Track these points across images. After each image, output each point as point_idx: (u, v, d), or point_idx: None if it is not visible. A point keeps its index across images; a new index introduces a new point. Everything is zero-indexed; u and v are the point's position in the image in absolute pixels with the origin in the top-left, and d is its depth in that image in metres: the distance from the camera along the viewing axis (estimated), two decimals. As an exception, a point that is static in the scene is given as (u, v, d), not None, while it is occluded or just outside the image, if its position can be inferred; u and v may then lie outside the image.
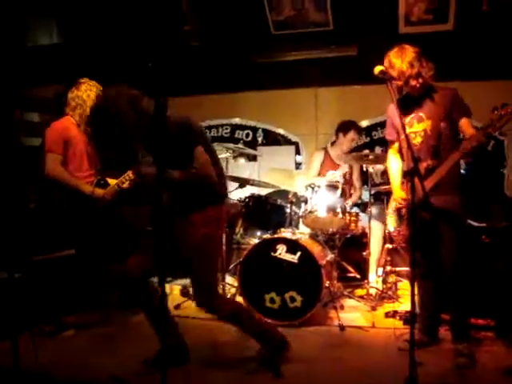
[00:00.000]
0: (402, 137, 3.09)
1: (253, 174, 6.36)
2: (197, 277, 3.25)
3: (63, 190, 4.19)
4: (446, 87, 3.52)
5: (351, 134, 5.51)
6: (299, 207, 4.85)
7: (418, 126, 3.50)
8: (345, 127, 5.55)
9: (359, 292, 5.08)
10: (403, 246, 4.43)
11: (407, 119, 3.52)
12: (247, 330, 3.37)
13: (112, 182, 4.34)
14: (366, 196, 5.56)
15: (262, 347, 3.34)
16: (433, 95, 3.49)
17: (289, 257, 4.22)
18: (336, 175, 4.97)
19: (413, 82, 3.41)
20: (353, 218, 4.89)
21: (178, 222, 3.20)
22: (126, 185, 4.22)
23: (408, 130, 3.47)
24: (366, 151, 4.94)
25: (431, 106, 3.48)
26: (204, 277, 3.23)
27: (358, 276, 5.19)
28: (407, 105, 3.56)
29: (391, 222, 3.76)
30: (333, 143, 5.80)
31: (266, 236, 4.66)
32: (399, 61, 3.39)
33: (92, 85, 4.34)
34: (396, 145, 3.74)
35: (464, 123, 3.40)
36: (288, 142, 6.92)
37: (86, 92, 4.29)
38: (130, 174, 4.19)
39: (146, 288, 3.28)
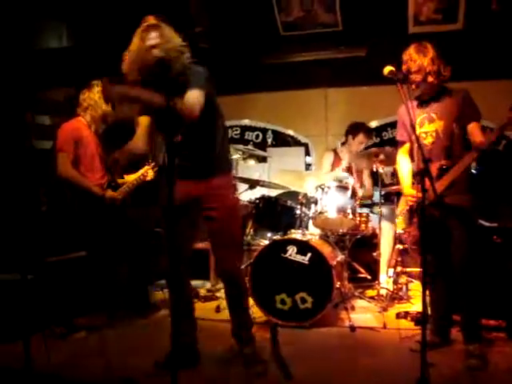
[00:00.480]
0: (413, 137, 3.09)
1: (263, 176, 6.37)
2: (225, 240, 3.29)
3: (74, 190, 4.22)
4: (459, 89, 3.51)
5: (360, 137, 5.50)
6: (309, 208, 4.84)
7: (429, 127, 3.49)
8: (354, 130, 5.54)
9: (370, 293, 5.07)
10: (413, 247, 4.42)
11: (418, 119, 3.52)
12: (241, 313, 3.43)
13: (129, 177, 4.42)
14: (376, 196, 5.55)
15: (242, 347, 3.39)
16: (445, 96, 3.48)
17: (299, 258, 4.22)
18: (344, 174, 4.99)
19: (430, 79, 3.39)
20: (363, 219, 4.89)
21: (198, 187, 3.23)
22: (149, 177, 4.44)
23: (419, 130, 3.47)
24: (374, 149, 4.92)
25: (443, 106, 3.47)
26: (232, 240, 3.32)
27: (369, 277, 5.18)
28: (419, 104, 3.56)
29: (399, 223, 3.75)
30: (342, 144, 5.80)
31: (277, 237, 4.65)
32: (421, 55, 3.38)
33: None
34: (406, 145, 3.74)
35: (472, 128, 3.39)
36: (298, 143, 6.92)
37: (98, 93, 4.34)
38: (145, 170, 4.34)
39: (183, 283, 3.38)
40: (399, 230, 3.82)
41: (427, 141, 3.48)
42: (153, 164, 4.67)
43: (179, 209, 3.06)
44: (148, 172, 4.58)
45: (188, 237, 3.36)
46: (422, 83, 3.43)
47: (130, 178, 4.53)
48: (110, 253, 4.43)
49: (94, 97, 4.35)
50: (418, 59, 3.38)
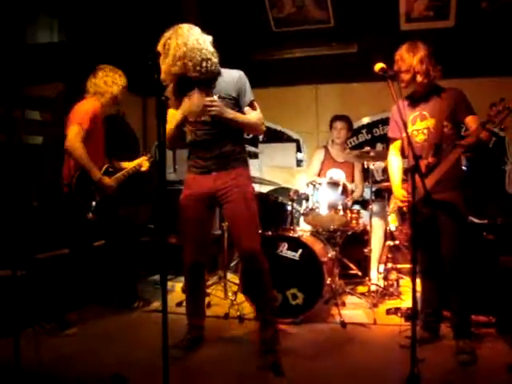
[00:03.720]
0: (404, 134, 3.11)
1: (254, 172, 6.36)
2: (251, 223, 3.45)
3: (72, 186, 4.17)
4: (451, 87, 3.54)
5: (336, 124, 5.61)
6: (300, 205, 4.84)
7: (420, 124, 3.52)
8: (330, 123, 5.70)
9: (361, 289, 5.09)
10: (406, 244, 4.44)
11: (411, 117, 3.54)
12: (261, 294, 3.52)
13: (127, 165, 4.42)
14: (367, 193, 5.56)
15: (262, 329, 3.47)
16: (437, 94, 3.51)
17: (290, 254, 4.22)
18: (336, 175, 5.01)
19: (419, 78, 3.43)
20: (354, 216, 4.88)
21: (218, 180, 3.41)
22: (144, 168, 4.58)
23: (411, 128, 3.49)
24: (367, 148, 4.93)
25: (435, 104, 3.49)
26: (255, 223, 3.48)
27: (360, 273, 5.19)
28: (411, 103, 3.59)
29: (392, 221, 3.77)
30: (332, 142, 5.82)
31: (268, 233, 4.65)
32: (411, 55, 3.43)
33: (108, 70, 4.36)
34: (397, 142, 3.76)
35: (470, 120, 3.41)
36: (289, 139, 6.92)
37: (103, 78, 4.32)
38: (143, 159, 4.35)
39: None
40: (392, 228, 3.84)
41: (419, 138, 3.51)
42: (149, 155, 4.66)
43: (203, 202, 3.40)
44: (143, 163, 4.58)
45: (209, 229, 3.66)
46: (411, 82, 3.47)
47: (127, 165, 4.52)
48: (101, 249, 4.43)
49: (98, 82, 4.31)
50: (407, 58, 3.43)
